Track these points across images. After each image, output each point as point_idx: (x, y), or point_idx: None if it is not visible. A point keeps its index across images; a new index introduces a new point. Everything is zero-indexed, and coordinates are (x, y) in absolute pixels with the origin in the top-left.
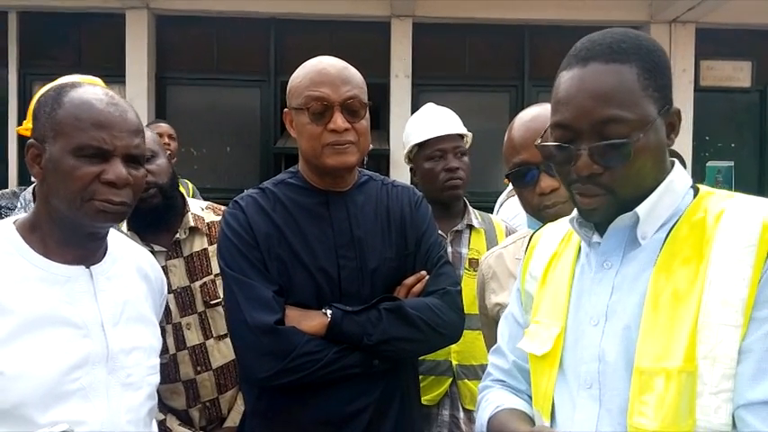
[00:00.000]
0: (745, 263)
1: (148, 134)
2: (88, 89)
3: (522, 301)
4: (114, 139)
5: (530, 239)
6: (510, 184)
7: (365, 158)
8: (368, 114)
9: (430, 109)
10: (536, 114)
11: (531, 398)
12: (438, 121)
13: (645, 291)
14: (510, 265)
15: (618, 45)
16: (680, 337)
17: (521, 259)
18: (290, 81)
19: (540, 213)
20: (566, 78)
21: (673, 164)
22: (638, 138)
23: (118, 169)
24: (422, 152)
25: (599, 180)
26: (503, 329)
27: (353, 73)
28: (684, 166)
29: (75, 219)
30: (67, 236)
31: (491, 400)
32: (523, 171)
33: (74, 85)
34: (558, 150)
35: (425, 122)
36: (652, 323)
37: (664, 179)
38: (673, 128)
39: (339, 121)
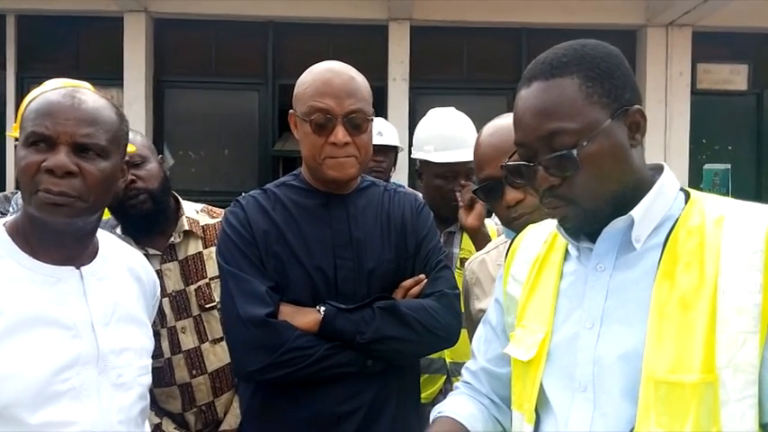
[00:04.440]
0: (755, 268)
1: (139, 139)
2: (60, 89)
3: (504, 303)
4: (57, 125)
5: (511, 242)
6: None
7: (394, 166)
8: (371, 127)
9: (451, 122)
10: (496, 129)
11: (492, 401)
12: (458, 141)
13: (647, 297)
14: (492, 271)
15: (558, 60)
16: (694, 347)
17: (502, 264)
18: (297, 84)
19: (510, 225)
20: (516, 100)
21: (662, 167)
22: (583, 145)
23: (58, 156)
24: (434, 168)
25: (558, 192)
26: (479, 332)
27: (360, 84)
28: None
29: (34, 214)
30: (43, 235)
31: (441, 404)
32: (489, 186)
33: (53, 89)
34: (523, 168)
35: (445, 139)
36: (661, 331)
37: (635, 180)
38: (638, 127)
39: (340, 134)
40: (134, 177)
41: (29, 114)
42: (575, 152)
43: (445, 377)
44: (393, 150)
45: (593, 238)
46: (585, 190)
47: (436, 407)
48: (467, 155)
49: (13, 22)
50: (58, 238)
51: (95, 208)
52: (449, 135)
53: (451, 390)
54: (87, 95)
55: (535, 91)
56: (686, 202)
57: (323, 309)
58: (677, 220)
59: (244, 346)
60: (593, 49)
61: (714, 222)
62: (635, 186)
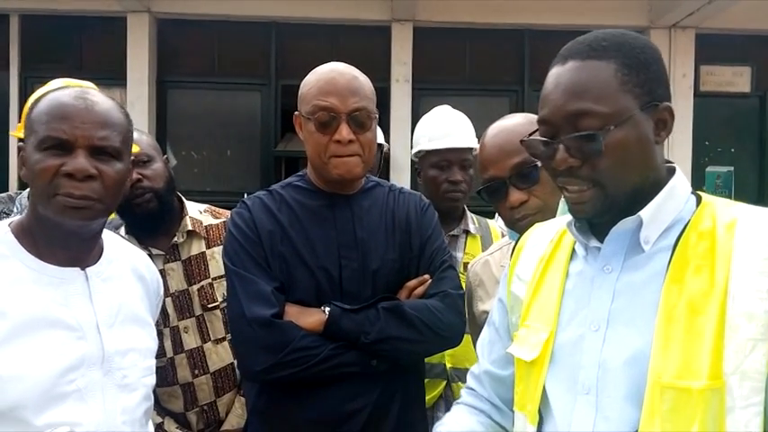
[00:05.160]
0: (766, 274)
1: (144, 138)
2: (68, 90)
3: (507, 303)
4: (75, 129)
5: (516, 242)
6: None
7: (382, 160)
8: (375, 126)
9: (445, 114)
10: (500, 129)
11: (494, 406)
12: (451, 130)
13: (655, 300)
14: (496, 273)
15: (598, 43)
16: (701, 352)
17: (506, 266)
18: (301, 85)
19: (514, 226)
20: (548, 77)
21: (674, 169)
22: (610, 130)
23: (78, 160)
24: (429, 158)
25: (579, 173)
26: (483, 334)
27: (363, 83)
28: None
29: (49, 217)
30: (52, 237)
31: (440, 423)
32: (493, 187)
33: (58, 89)
34: (541, 146)
35: (438, 129)
36: (668, 336)
37: (654, 177)
38: (664, 124)
39: (344, 132)
40: (140, 176)
41: (40, 117)
42: (600, 135)
43: (445, 382)
44: (378, 148)
45: (601, 237)
46: (611, 174)
47: (435, 426)
48: (459, 142)
49: (17, 21)
50: (67, 240)
51: (111, 209)
52: (441, 126)
53: (452, 395)
54: (97, 97)
55: (569, 69)
56: (697, 205)
57: (328, 309)
58: (688, 222)
59: (249, 345)
60: (633, 40)
61: (726, 227)
62: (653, 183)
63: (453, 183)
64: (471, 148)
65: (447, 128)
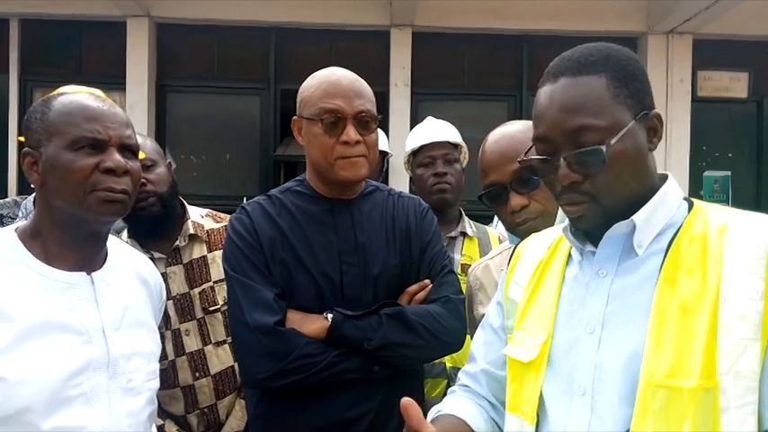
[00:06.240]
0: (758, 276)
1: (149, 143)
2: (75, 94)
3: (504, 307)
4: (107, 129)
5: (514, 248)
6: None
7: (384, 167)
8: (377, 128)
9: (427, 121)
10: (501, 136)
11: (490, 403)
12: (431, 130)
13: (648, 302)
14: (496, 277)
15: (586, 59)
16: (693, 352)
17: (505, 270)
18: (300, 90)
19: (515, 230)
20: (540, 95)
21: (666, 176)
22: (611, 143)
23: (115, 157)
24: (415, 159)
25: (580, 188)
26: (478, 336)
27: (365, 86)
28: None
29: (79, 215)
30: (69, 239)
31: (439, 405)
32: (494, 192)
33: (61, 93)
34: (541, 164)
35: (420, 132)
36: (660, 336)
37: (650, 183)
38: (655, 132)
39: (351, 133)
40: (144, 181)
41: (65, 118)
42: (603, 149)
43: (446, 382)
44: (381, 155)
45: (596, 242)
46: (609, 188)
47: (434, 407)
48: (439, 136)
49: (17, 26)
50: (84, 241)
51: (132, 206)
52: (423, 129)
53: None
54: (106, 99)
55: (562, 86)
56: (689, 210)
57: (330, 316)
58: (680, 227)
59: (252, 353)
60: (617, 52)
61: (717, 230)
62: (648, 189)
63: (438, 175)
64: (455, 145)
65: (428, 130)
